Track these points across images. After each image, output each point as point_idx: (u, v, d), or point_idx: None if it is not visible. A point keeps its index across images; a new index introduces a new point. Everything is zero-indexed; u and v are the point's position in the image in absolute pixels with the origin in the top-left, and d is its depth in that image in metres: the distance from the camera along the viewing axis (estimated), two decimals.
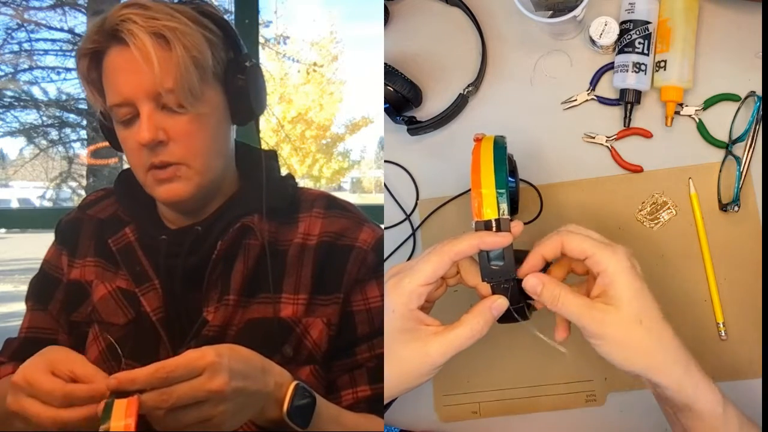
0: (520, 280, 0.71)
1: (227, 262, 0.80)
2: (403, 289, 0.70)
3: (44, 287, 0.89)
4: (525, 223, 0.93)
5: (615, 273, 0.67)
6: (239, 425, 0.66)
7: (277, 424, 0.69)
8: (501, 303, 0.70)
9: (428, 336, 0.69)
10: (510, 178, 0.81)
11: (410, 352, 0.69)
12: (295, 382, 0.70)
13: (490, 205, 0.70)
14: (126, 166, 0.83)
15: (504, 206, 0.69)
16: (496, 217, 0.69)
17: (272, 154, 0.88)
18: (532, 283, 0.69)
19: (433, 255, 0.70)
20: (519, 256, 0.71)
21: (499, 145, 0.74)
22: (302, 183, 0.89)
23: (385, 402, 0.75)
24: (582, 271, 0.73)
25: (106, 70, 0.77)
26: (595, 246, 0.68)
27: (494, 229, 0.69)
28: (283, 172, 0.88)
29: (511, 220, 0.70)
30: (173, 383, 0.60)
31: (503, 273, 0.70)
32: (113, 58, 0.76)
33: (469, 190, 0.93)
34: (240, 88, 0.80)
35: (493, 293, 0.71)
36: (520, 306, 0.72)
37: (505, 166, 0.71)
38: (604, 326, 0.67)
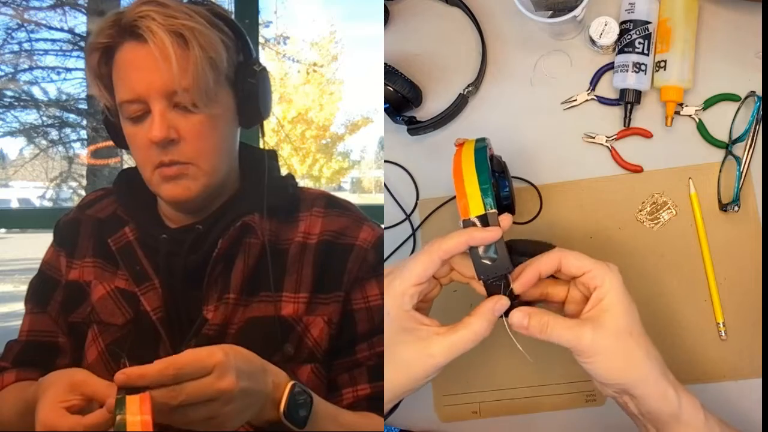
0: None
1: (228, 260, 0.80)
2: (395, 291, 0.70)
3: (43, 289, 0.88)
4: (524, 223, 0.94)
5: (611, 288, 0.69)
6: (240, 425, 0.66)
7: (274, 425, 0.69)
8: (503, 304, 0.70)
9: (429, 336, 0.69)
10: (503, 181, 0.81)
11: (412, 353, 0.69)
12: (291, 383, 0.70)
13: (475, 202, 0.70)
14: (126, 165, 0.83)
15: (489, 202, 0.69)
16: (482, 212, 0.69)
17: (272, 154, 0.88)
18: (518, 317, 0.69)
19: (422, 254, 0.70)
20: (518, 248, 0.71)
21: (479, 145, 0.74)
22: (302, 183, 0.90)
23: (392, 404, 0.74)
24: (559, 298, 0.74)
25: (119, 66, 0.77)
26: (594, 262, 0.70)
27: (480, 224, 0.69)
28: (283, 172, 0.88)
29: (499, 215, 0.70)
30: (182, 381, 0.61)
31: (498, 268, 0.70)
32: (127, 54, 0.76)
33: None
34: (250, 91, 0.80)
35: (486, 289, 0.71)
36: (517, 301, 0.71)
37: (487, 164, 0.71)
38: (597, 341, 0.68)
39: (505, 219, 0.70)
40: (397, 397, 0.72)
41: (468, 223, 0.70)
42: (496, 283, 0.70)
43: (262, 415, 0.68)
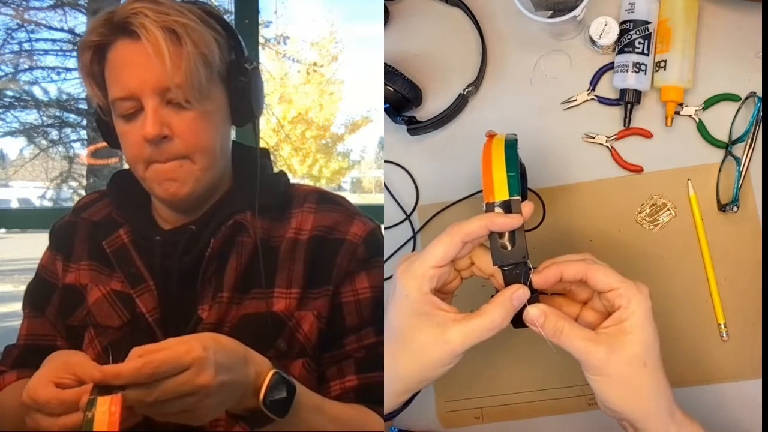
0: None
1: (221, 259, 0.80)
2: (414, 272, 0.68)
3: (40, 293, 0.88)
4: (529, 230, 0.93)
5: (636, 310, 0.66)
6: (217, 415, 0.65)
7: (253, 414, 0.68)
8: (522, 293, 0.67)
9: (447, 322, 0.67)
10: (521, 180, 0.80)
11: (429, 338, 0.67)
12: (272, 371, 0.68)
13: (501, 186, 0.68)
14: (126, 165, 0.83)
15: (515, 188, 0.68)
16: (506, 198, 0.68)
17: (264, 152, 0.88)
18: (534, 314, 0.67)
19: (443, 236, 0.68)
20: None
21: (511, 139, 0.73)
22: (302, 183, 0.90)
23: (405, 398, 0.72)
24: (581, 299, 0.72)
25: (111, 64, 0.77)
26: (622, 281, 0.67)
27: (504, 210, 0.68)
28: (276, 170, 0.89)
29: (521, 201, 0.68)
30: (159, 379, 0.60)
31: (514, 256, 0.68)
32: (120, 51, 0.76)
33: (468, 196, 0.93)
34: (242, 89, 0.80)
35: (504, 279, 0.69)
36: (535, 295, 0.69)
37: (517, 158, 0.70)
38: (609, 362, 0.65)
39: (527, 206, 0.68)
40: (411, 387, 0.70)
41: (490, 207, 0.68)
42: (516, 272, 0.69)
43: (243, 403, 0.67)
